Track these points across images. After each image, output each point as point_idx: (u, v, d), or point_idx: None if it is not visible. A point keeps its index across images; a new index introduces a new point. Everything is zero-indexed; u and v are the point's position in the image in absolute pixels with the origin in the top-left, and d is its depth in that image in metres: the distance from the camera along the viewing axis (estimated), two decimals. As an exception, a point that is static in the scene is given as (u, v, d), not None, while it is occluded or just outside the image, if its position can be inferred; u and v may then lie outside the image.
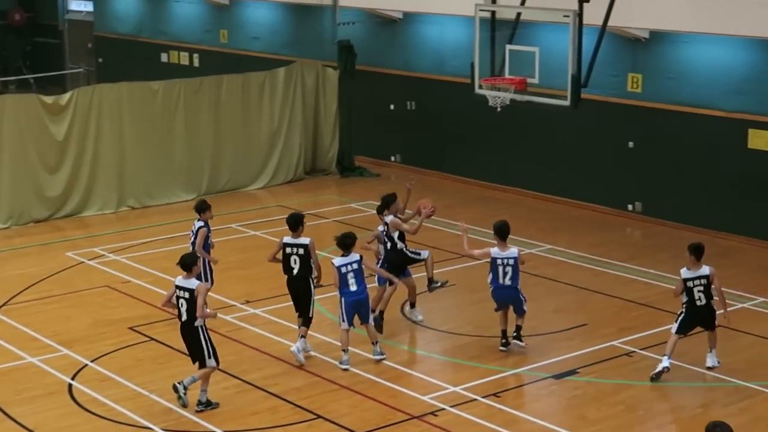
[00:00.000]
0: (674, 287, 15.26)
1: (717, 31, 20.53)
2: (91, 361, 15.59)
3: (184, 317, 13.94)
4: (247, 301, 17.95)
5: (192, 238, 17.16)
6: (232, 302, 18.02)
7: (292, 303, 16.00)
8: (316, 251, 15.81)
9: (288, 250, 15.62)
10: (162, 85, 24.95)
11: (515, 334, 15.86)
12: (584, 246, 21.01)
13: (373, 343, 15.57)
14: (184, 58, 33.85)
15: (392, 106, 27.81)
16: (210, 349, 14.05)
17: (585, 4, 17.78)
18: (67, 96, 23.84)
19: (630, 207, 23.21)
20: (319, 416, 13.86)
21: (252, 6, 31.35)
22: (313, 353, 15.74)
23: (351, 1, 26.93)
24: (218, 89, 25.58)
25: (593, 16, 18.02)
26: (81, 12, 39.17)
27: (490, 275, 15.92)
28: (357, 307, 15.29)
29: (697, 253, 15.08)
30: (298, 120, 26.76)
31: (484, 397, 14.30)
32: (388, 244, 16.70)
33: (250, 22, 31.71)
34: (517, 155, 25.31)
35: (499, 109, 19.38)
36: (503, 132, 25.16)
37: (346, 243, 15.35)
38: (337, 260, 15.29)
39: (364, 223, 22.10)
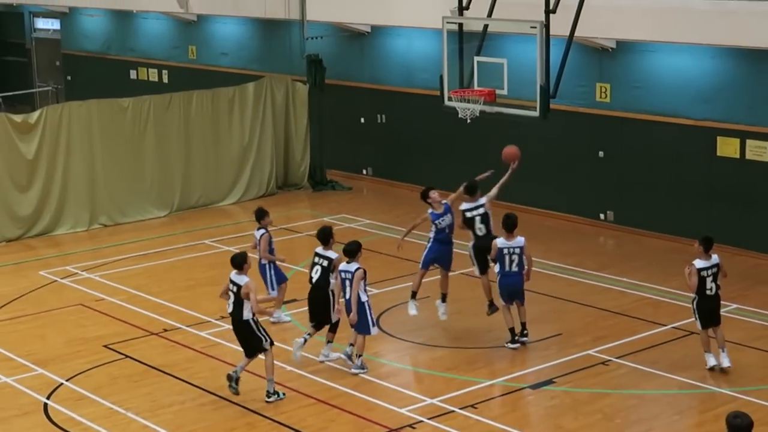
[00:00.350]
0: (688, 280, 15.31)
1: (683, 40, 20.71)
2: (67, 380, 15.52)
3: (230, 309, 14.67)
4: (222, 317, 17.89)
5: (257, 245, 17.61)
6: (207, 318, 17.98)
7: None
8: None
9: (315, 259, 15.96)
10: (131, 102, 24.91)
11: (524, 331, 16.30)
12: (557, 256, 21.09)
13: (358, 356, 15.60)
14: (153, 75, 33.80)
15: (363, 120, 27.88)
16: (263, 335, 14.65)
17: (552, 15, 17.86)
18: (36, 114, 23.76)
19: (602, 216, 23.34)
20: (296, 431, 13.84)
21: (220, 21, 31.35)
22: (290, 369, 15.72)
23: (319, 15, 26.98)
24: (188, 105, 25.56)
25: (560, 26, 18.10)
26: (48, 30, 39.03)
27: (497, 266, 16.38)
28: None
29: (707, 244, 15.36)
30: (269, 135, 26.78)
31: (461, 409, 14.33)
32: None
33: (218, 38, 31.72)
34: (488, 167, 25.26)
35: (469, 121, 19.41)
36: (474, 144, 25.23)
37: (351, 249, 15.65)
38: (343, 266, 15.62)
39: (337, 237, 22.09)
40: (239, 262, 14.70)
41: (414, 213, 24.47)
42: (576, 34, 18.54)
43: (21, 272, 20.80)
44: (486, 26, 19.60)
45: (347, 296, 15.42)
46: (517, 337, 16.47)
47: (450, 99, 19.39)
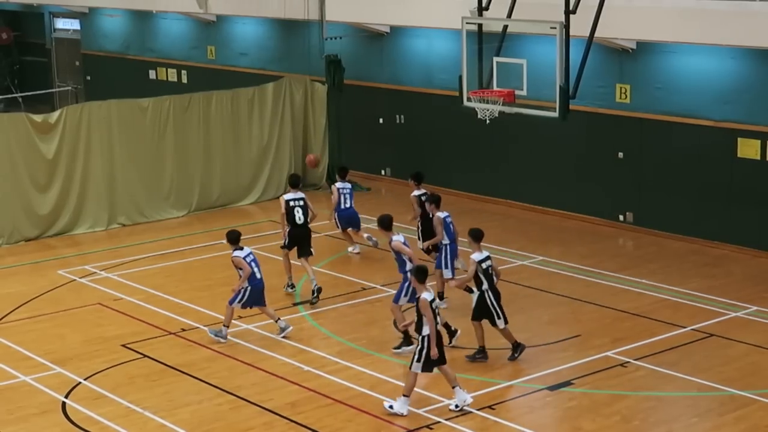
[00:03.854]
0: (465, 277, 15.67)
1: (703, 41, 20.60)
2: (85, 379, 15.54)
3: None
4: (240, 317, 17.89)
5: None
6: (224, 318, 17.96)
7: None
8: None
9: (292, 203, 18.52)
10: (151, 102, 24.93)
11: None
12: (576, 257, 21.02)
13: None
14: (172, 75, 33.87)
15: (381, 120, 27.85)
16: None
17: (572, 16, 17.83)
18: (56, 114, 23.81)
19: (621, 217, 23.25)
20: (314, 431, 13.82)
21: (239, 22, 31.37)
22: (307, 369, 15.70)
23: (338, 15, 26.97)
24: (207, 106, 25.58)
25: (580, 27, 18.07)
26: (68, 30, 39.15)
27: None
28: None
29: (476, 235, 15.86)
30: (288, 135, 26.78)
31: (479, 410, 14.28)
32: None
33: (237, 38, 31.74)
34: (507, 167, 25.35)
35: (488, 122, 19.39)
36: (493, 144, 25.21)
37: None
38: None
39: (355, 237, 22.08)
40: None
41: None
42: (596, 34, 18.51)
43: (40, 271, 20.84)
44: (505, 27, 19.59)
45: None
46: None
47: (469, 99, 19.37)
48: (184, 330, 17.47)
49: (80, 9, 36.72)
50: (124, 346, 16.83)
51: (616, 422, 13.96)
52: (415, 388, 14.93)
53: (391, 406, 14.32)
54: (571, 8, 17.79)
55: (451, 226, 18.22)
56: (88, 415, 14.40)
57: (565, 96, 18.02)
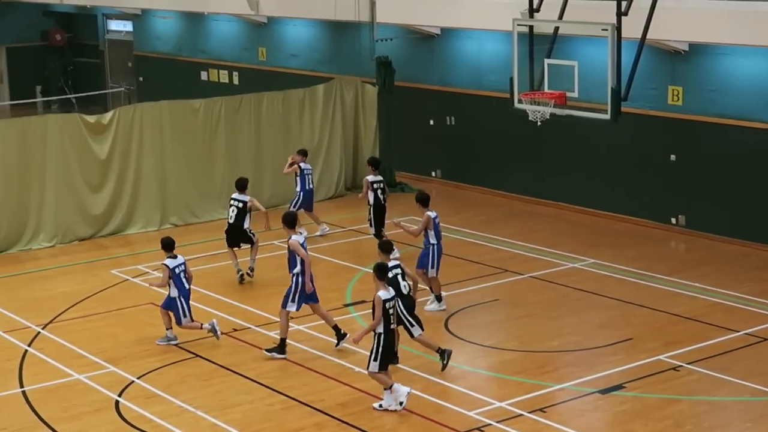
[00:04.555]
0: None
1: (757, 43, 20.42)
2: (137, 378, 15.67)
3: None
4: (291, 317, 17.95)
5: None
6: (276, 318, 18.03)
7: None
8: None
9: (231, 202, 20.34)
10: (203, 104, 25.09)
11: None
12: (627, 260, 20.91)
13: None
14: (223, 76, 34.07)
15: (432, 122, 27.84)
16: None
17: (623, 18, 17.74)
18: (109, 115, 24.03)
19: (673, 220, 23.09)
20: (365, 432, 13.90)
21: (290, 23, 31.50)
22: (358, 370, 15.74)
23: (389, 17, 27.01)
24: (258, 107, 25.71)
25: (632, 29, 17.96)
26: (121, 32, 39.49)
27: (433, 234, 17.69)
28: None
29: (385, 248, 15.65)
30: (339, 136, 26.85)
31: (530, 413, 14.25)
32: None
33: (288, 40, 31.87)
34: (558, 169, 25.26)
35: (539, 124, 19.35)
36: (543, 146, 25.14)
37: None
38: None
39: (405, 239, 22.09)
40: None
41: (484, 215, 24.58)
42: (648, 36, 18.39)
43: (93, 271, 21.03)
44: (557, 28, 19.52)
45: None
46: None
47: (520, 101, 19.33)
48: (235, 330, 17.57)
49: (133, 11, 37.02)
50: (176, 345, 16.95)
51: (668, 426, 13.87)
52: (465, 389, 14.97)
53: (380, 405, 14.43)
54: (622, 10, 17.70)
55: (439, 227, 18.24)
56: (141, 413, 14.52)
57: (617, 98, 17.93)
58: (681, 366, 15.71)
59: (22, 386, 15.60)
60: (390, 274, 15.25)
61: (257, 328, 17.56)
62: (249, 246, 20.45)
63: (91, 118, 23.76)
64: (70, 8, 39.97)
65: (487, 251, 21.77)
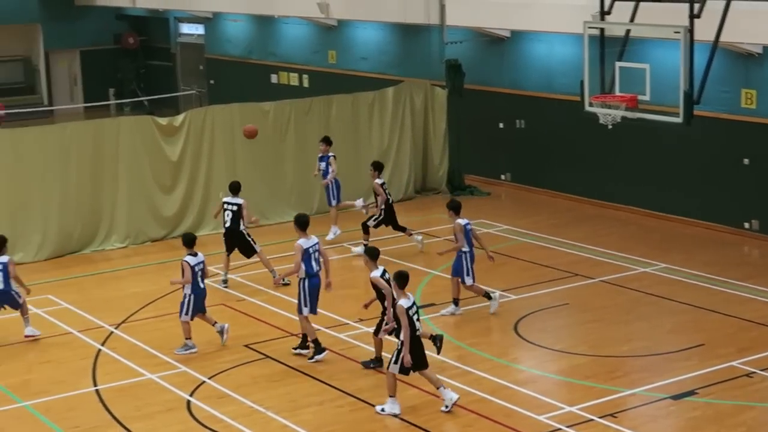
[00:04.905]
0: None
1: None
2: (209, 378, 15.82)
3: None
4: (360, 320, 18.04)
5: None
6: (346, 320, 18.14)
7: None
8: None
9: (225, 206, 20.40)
10: (273, 106, 25.26)
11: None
12: (699, 265, 20.70)
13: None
14: (293, 79, 34.26)
15: (501, 125, 27.77)
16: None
17: (696, 20, 17.58)
18: (180, 117, 24.28)
19: (746, 225, 22.82)
20: (434, 435, 13.91)
21: (360, 27, 31.60)
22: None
23: (458, 20, 26.99)
24: (328, 109, 25.82)
25: (704, 31, 17.78)
26: (192, 35, 39.87)
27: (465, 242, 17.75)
28: None
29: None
30: (408, 139, 26.89)
31: (600, 418, 14.17)
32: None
33: (358, 43, 31.97)
34: (629, 173, 25.07)
35: (610, 127, 19.24)
36: (614, 149, 24.97)
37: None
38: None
39: (475, 242, 22.05)
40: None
41: (554, 219, 24.47)
42: (721, 39, 18.20)
43: (165, 272, 21.17)
44: (628, 31, 19.38)
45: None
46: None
47: (591, 104, 19.23)
48: (293, 334, 17.63)
49: (204, 14, 37.37)
50: (246, 346, 17.08)
51: (741, 433, 13.75)
52: (534, 393, 14.92)
53: (382, 409, 14.49)
54: (695, 12, 17.53)
55: (470, 233, 18.15)
56: (212, 413, 14.66)
57: (689, 101, 17.77)
58: (755, 372, 15.53)
59: (95, 385, 15.81)
60: (386, 276, 15.44)
61: (327, 330, 17.63)
62: (252, 254, 20.49)
63: (163, 121, 24.03)
64: (142, 12, 40.44)
65: (556, 255, 21.67)
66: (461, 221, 18.05)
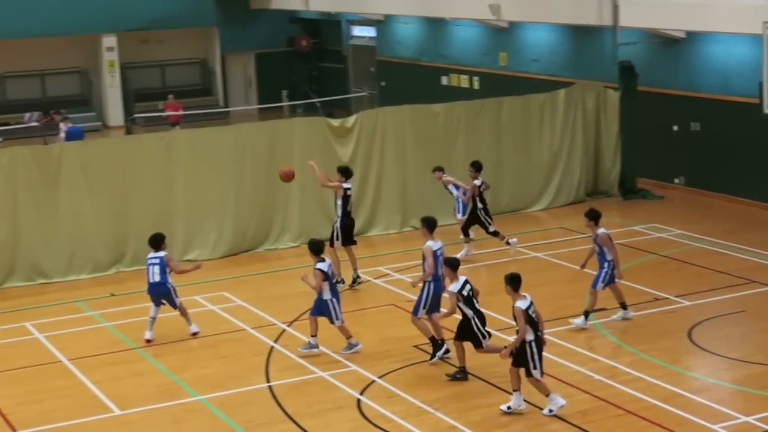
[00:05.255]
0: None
1: None
2: (379, 377, 15.94)
3: None
4: (530, 323, 17.92)
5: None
6: (514, 323, 17.98)
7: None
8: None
9: None
10: (443, 108, 25.32)
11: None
12: None
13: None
14: (464, 81, 34.29)
15: (675, 128, 27.24)
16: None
17: None
18: (352, 119, 24.55)
19: None
20: (605, 441, 13.73)
21: (531, 28, 31.43)
22: (598, 378, 15.58)
23: (632, 21, 26.57)
24: (498, 112, 25.74)
25: None
26: (364, 37, 40.28)
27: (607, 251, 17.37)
28: None
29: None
30: (579, 141, 26.61)
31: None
32: None
33: (529, 45, 31.81)
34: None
35: (791, 130, 18.72)
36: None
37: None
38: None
39: (647, 246, 21.78)
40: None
41: (729, 224, 23.88)
42: None
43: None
44: (811, 31, 18.83)
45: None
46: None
47: (771, 107, 18.74)
48: (474, 333, 17.64)
49: (376, 17, 37.71)
50: (416, 347, 17.14)
51: None
52: (709, 402, 14.60)
53: (508, 407, 14.55)
54: None
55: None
56: (382, 412, 14.77)
57: None
58: None
59: (268, 381, 16.11)
60: (464, 291, 15.35)
61: (496, 332, 17.57)
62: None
63: (335, 122, 24.35)
64: (315, 15, 41.05)
65: (732, 261, 21.15)
66: (605, 231, 17.67)
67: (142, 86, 42.21)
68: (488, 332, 15.76)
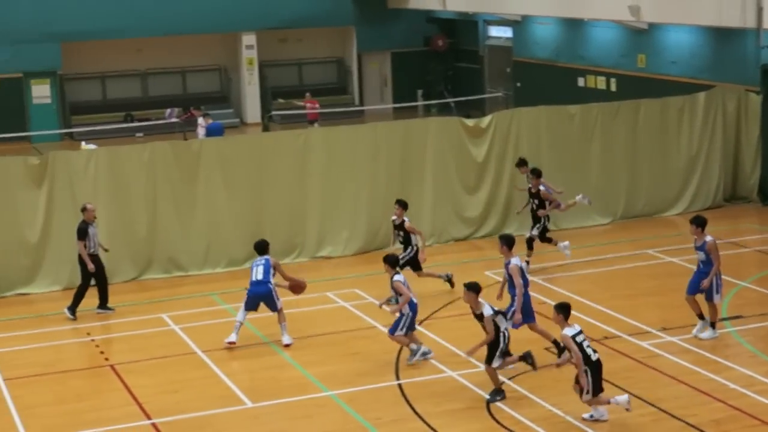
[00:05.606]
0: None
1: None
2: (508, 379, 15.86)
3: None
4: (664, 329, 17.66)
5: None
6: (648, 328, 17.79)
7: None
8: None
9: None
10: (579, 110, 25.09)
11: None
12: None
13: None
14: (600, 83, 33.90)
15: (821, 133, 26.51)
16: None
17: None
18: (487, 119, 24.50)
19: None
20: (739, 451, 13.45)
21: (671, 30, 30.89)
22: (733, 386, 15.26)
23: (776, 23, 25.93)
24: (635, 114, 25.40)
25: None
26: (500, 38, 40.14)
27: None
28: None
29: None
30: (718, 146, 26.08)
31: None
32: None
33: (668, 46, 31.27)
34: None
35: None
36: None
37: None
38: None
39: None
40: None
41: None
42: None
43: (467, 271, 21.28)
44: None
45: None
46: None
47: None
48: (606, 338, 17.44)
49: (513, 17, 37.54)
50: (546, 349, 16.95)
51: None
52: None
53: (591, 416, 14.36)
54: None
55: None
56: (511, 414, 14.71)
57: None
58: None
59: (398, 379, 16.17)
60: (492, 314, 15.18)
61: (628, 337, 17.37)
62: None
63: (470, 122, 24.33)
64: (452, 15, 41.04)
65: None
66: (712, 238, 17.06)
67: (279, 84, 42.79)
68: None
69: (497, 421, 14.56)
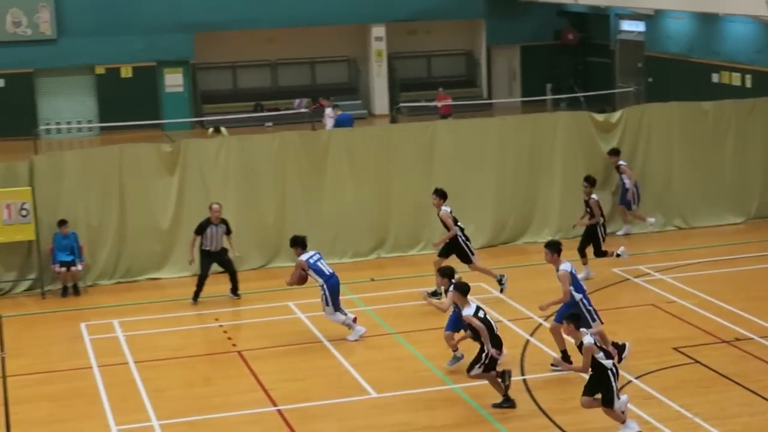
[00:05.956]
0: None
1: None
2: (635, 378, 15.65)
3: None
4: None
5: None
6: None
7: None
8: None
9: None
10: (712, 106, 24.58)
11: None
12: None
13: None
14: (735, 79, 33.18)
15: None
16: None
17: None
18: (617, 114, 24.19)
19: None
20: None
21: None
22: None
23: None
24: (772, 111, 24.82)
25: None
26: (632, 32, 39.59)
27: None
28: None
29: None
30: None
31: None
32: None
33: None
34: None
35: None
36: None
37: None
38: None
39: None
40: None
41: None
42: None
43: (594, 268, 21.02)
44: None
45: None
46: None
47: None
48: (737, 339, 17.09)
49: (646, 11, 36.95)
50: (675, 349, 16.76)
51: None
52: None
53: None
54: None
55: None
56: (638, 413, 14.49)
57: None
58: None
59: (523, 374, 16.07)
60: (480, 314, 14.83)
61: (761, 339, 16.99)
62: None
63: (600, 117, 24.04)
64: (583, 8, 40.57)
65: None
66: None
67: (407, 76, 42.85)
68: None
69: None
